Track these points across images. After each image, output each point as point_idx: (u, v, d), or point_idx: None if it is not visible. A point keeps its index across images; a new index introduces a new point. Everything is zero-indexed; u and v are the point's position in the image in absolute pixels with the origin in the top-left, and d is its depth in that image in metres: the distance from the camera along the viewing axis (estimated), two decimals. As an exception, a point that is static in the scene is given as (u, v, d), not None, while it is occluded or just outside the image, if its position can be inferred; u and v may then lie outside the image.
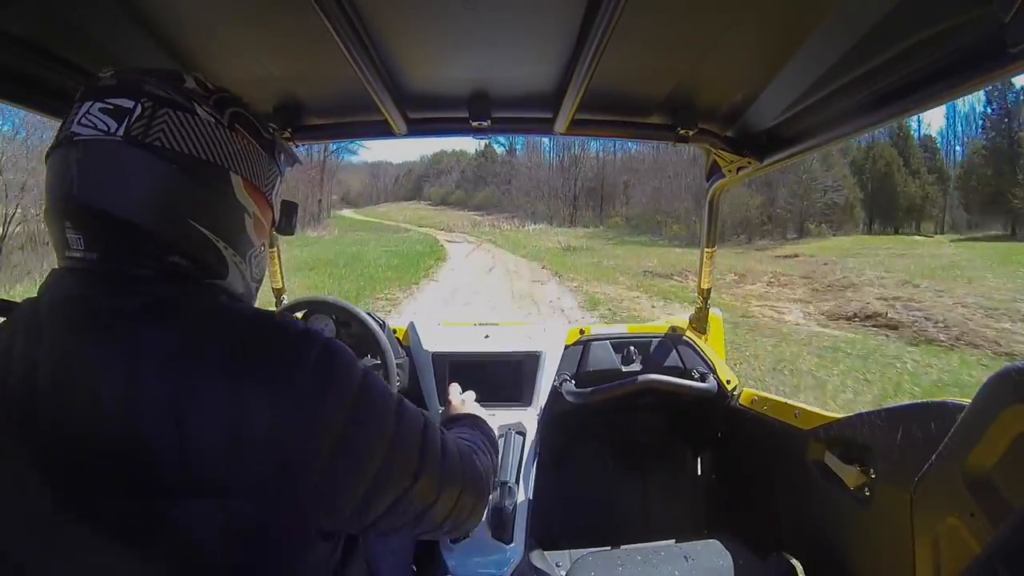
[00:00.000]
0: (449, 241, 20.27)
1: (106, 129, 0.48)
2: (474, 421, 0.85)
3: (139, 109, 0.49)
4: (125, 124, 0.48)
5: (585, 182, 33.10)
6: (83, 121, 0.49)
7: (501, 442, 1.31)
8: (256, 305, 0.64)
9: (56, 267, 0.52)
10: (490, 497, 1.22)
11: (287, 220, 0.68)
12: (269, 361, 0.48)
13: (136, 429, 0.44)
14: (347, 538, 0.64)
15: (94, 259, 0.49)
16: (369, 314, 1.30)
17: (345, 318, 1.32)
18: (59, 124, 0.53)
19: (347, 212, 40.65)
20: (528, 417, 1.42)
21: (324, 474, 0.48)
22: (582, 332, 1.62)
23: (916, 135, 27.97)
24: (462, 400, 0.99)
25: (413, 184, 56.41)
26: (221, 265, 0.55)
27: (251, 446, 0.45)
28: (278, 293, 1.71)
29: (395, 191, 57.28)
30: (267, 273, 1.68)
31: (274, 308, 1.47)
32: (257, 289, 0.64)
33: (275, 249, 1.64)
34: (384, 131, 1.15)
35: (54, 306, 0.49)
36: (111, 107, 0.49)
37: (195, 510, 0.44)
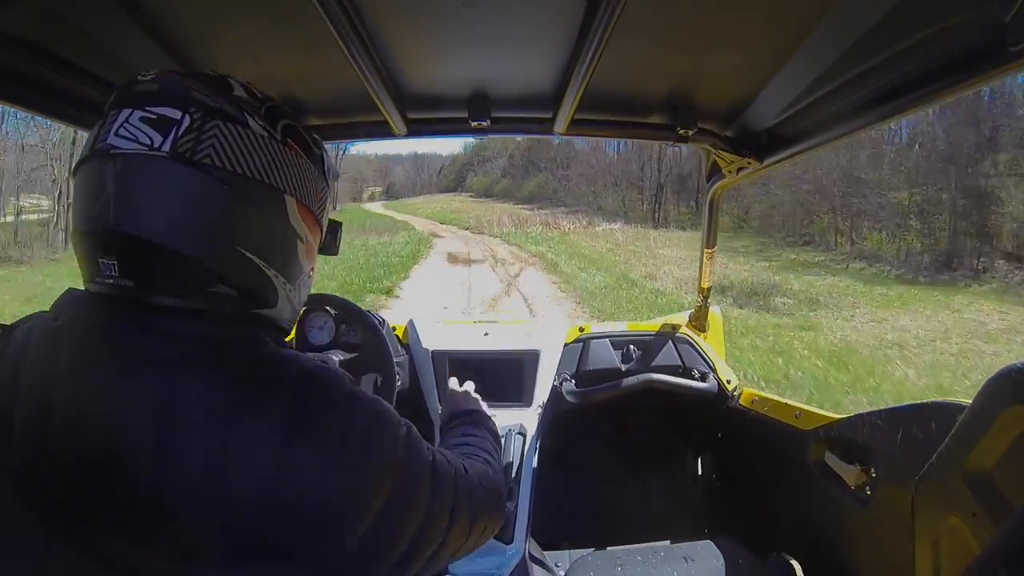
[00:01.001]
0: (457, 261, 11.69)
1: (149, 143, 0.43)
2: (477, 418, 0.85)
3: (187, 121, 0.44)
4: (172, 138, 0.43)
5: (673, 166, 22.06)
6: (121, 132, 0.43)
7: (501, 441, 1.30)
8: None
9: (73, 288, 0.48)
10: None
11: (332, 239, 0.62)
12: (320, 423, 0.45)
13: (169, 486, 0.40)
14: None
15: (130, 286, 0.44)
16: (368, 312, 1.30)
17: (344, 316, 1.32)
18: (54, 125, 0.50)
19: (371, 206, 37.96)
20: (528, 417, 1.42)
21: (364, 540, 0.45)
22: (582, 330, 1.62)
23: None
24: (464, 392, 0.98)
25: (456, 174, 51.59)
26: (270, 293, 0.51)
27: (297, 510, 0.42)
28: None
29: (438, 183, 54.02)
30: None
31: None
32: (298, 314, 0.60)
33: None
34: (384, 131, 1.15)
35: (75, 338, 0.43)
36: (154, 117, 0.43)
37: (227, 573, 0.41)
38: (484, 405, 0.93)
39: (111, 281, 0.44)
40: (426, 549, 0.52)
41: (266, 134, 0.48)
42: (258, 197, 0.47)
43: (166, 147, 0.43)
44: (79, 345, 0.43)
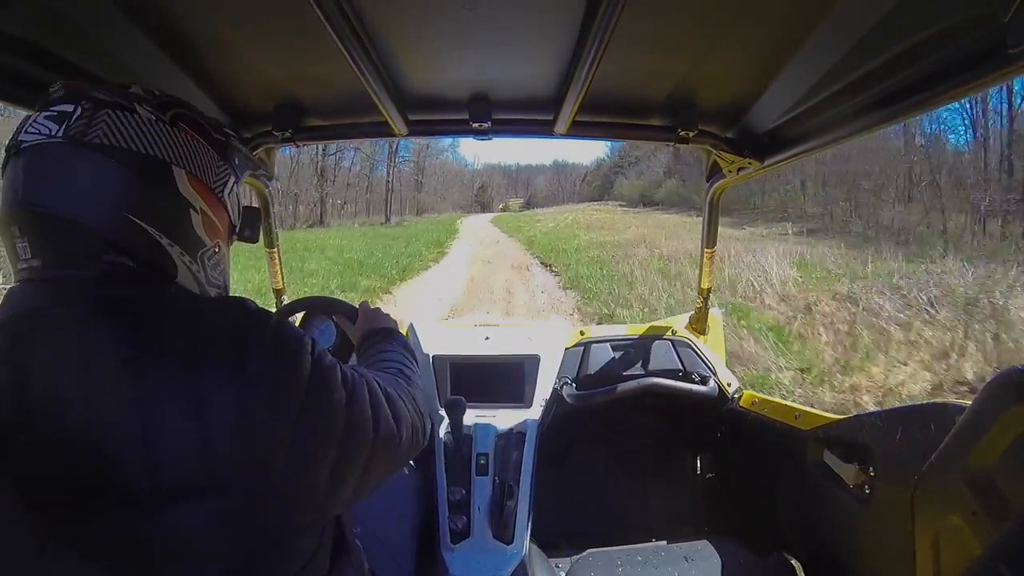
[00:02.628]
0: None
1: (48, 132, 0.49)
2: (389, 335, 0.86)
3: (79, 111, 0.50)
4: (65, 125, 0.49)
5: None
6: (29, 130, 0.50)
7: (501, 442, 1.31)
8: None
9: (10, 287, 0.52)
10: (489, 497, 1.23)
11: (250, 228, 0.67)
12: (223, 352, 0.48)
13: (101, 442, 0.43)
14: (335, 532, 0.64)
15: (38, 266, 0.49)
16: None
17: (340, 315, 1.32)
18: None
19: (477, 218, 32.36)
20: (528, 418, 1.42)
21: (290, 451, 0.48)
22: (582, 334, 1.62)
23: None
24: (375, 310, 0.98)
25: (601, 180, 46.33)
26: (167, 264, 0.54)
27: (216, 442, 0.44)
28: (278, 293, 1.71)
29: (580, 191, 49.19)
30: (268, 277, 1.69)
31: (274, 308, 1.47)
32: (219, 295, 0.62)
33: (275, 250, 1.64)
34: (384, 132, 1.15)
35: (5, 326, 0.47)
36: (54, 113, 0.50)
37: (174, 516, 0.44)
38: (392, 322, 0.93)
39: (26, 264, 0.50)
40: (356, 454, 0.54)
41: (153, 117, 0.53)
42: (144, 168, 0.52)
43: (60, 133, 0.49)
44: (6, 330, 0.47)
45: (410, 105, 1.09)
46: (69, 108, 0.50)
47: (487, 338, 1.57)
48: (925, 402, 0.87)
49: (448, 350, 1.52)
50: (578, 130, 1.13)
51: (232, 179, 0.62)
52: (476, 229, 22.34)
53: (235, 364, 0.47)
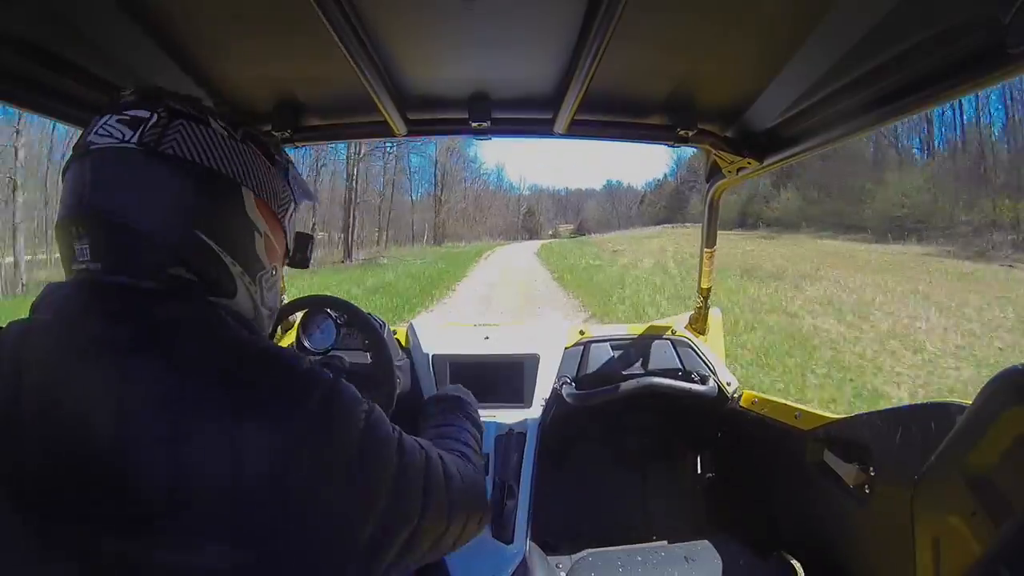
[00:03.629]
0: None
1: (121, 137, 0.48)
2: (458, 404, 0.84)
3: (154, 118, 0.49)
4: (139, 131, 0.49)
5: None
6: (100, 132, 0.49)
7: (501, 442, 1.31)
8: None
9: (52, 282, 0.51)
10: (489, 497, 1.23)
11: (301, 253, 0.67)
12: (271, 399, 0.46)
13: (127, 468, 0.42)
14: None
15: (99, 269, 0.48)
16: (369, 315, 1.29)
17: (345, 319, 1.32)
18: (55, 125, 0.52)
19: (535, 245, 28.92)
20: (528, 418, 1.42)
21: (328, 518, 0.45)
22: (582, 333, 1.62)
23: None
24: (455, 386, 0.97)
25: (668, 199, 42.56)
26: (228, 282, 0.53)
27: (250, 489, 0.42)
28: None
29: (640, 214, 46.46)
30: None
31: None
32: (269, 320, 0.61)
33: None
34: (384, 132, 1.15)
35: (44, 331, 0.46)
36: (128, 118, 0.49)
37: (185, 553, 0.42)
38: (472, 397, 0.90)
39: (83, 265, 0.48)
40: (397, 532, 0.51)
41: (226, 133, 0.53)
42: (216, 186, 0.51)
43: (134, 139, 0.48)
44: (45, 334, 0.46)
45: (409, 104, 1.09)
46: (144, 114, 0.49)
47: (487, 337, 1.57)
48: (925, 402, 0.87)
49: (448, 349, 1.52)
50: (577, 129, 1.13)
51: (292, 205, 0.62)
52: (502, 273, 13.37)
53: (280, 418, 0.45)
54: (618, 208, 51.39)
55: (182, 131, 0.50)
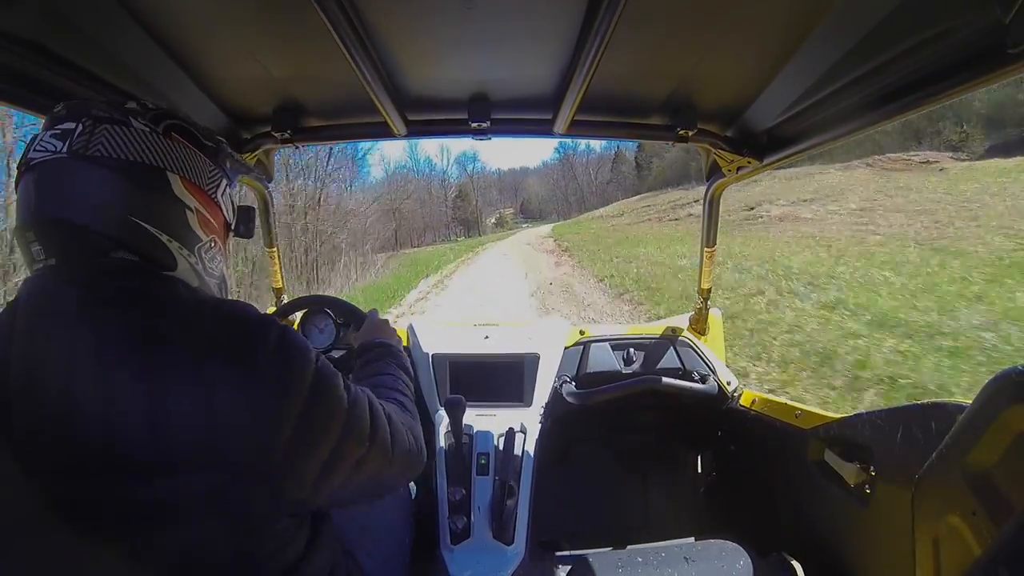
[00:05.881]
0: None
1: (54, 149, 0.55)
2: (387, 351, 0.89)
3: (80, 128, 0.55)
4: (68, 142, 0.55)
5: None
6: (37, 148, 0.55)
7: (501, 441, 1.31)
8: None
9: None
10: (489, 497, 1.23)
11: (244, 225, 0.74)
12: (230, 344, 0.53)
13: (109, 414, 0.48)
14: (314, 520, 0.68)
15: (54, 263, 0.55)
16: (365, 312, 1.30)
17: (345, 318, 1.32)
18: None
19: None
20: (528, 418, 1.42)
21: (286, 449, 0.53)
22: (582, 333, 1.62)
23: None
24: (382, 322, 1.02)
25: (625, 169, 34.71)
26: (167, 257, 0.60)
27: (219, 424, 0.49)
28: (278, 293, 1.71)
29: (599, 190, 39.56)
30: (268, 274, 1.68)
31: (273, 308, 1.47)
32: (219, 288, 0.68)
33: (274, 249, 1.64)
34: (383, 133, 1.15)
35: (27, 304, 0.53)
36: (59, 131, 0.55)
37: (173, 485, 0.49)
38: (399, 343, 0.95)
39: (41, 263, 0.55)
40: (346, 459, 0.59)
41: (147, 129, 0.59)
42: (142, 175, 0.57)
43: (65, 149, 0.55)
44: (27, 307, 0.53)
45: (409, 105, 1.09)
46: (71, 126, 0.55)
47: (487, 337, 1.57)
48: (925, 402, 0.87)
49: (447, 349, 1.52)
50: (577, 129, 1.13)
51: (224, 181, 0.68)
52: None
53: (242, 359, 0.52)
54: (568, 182, 42.81)
55: (106, 134, 0.56)
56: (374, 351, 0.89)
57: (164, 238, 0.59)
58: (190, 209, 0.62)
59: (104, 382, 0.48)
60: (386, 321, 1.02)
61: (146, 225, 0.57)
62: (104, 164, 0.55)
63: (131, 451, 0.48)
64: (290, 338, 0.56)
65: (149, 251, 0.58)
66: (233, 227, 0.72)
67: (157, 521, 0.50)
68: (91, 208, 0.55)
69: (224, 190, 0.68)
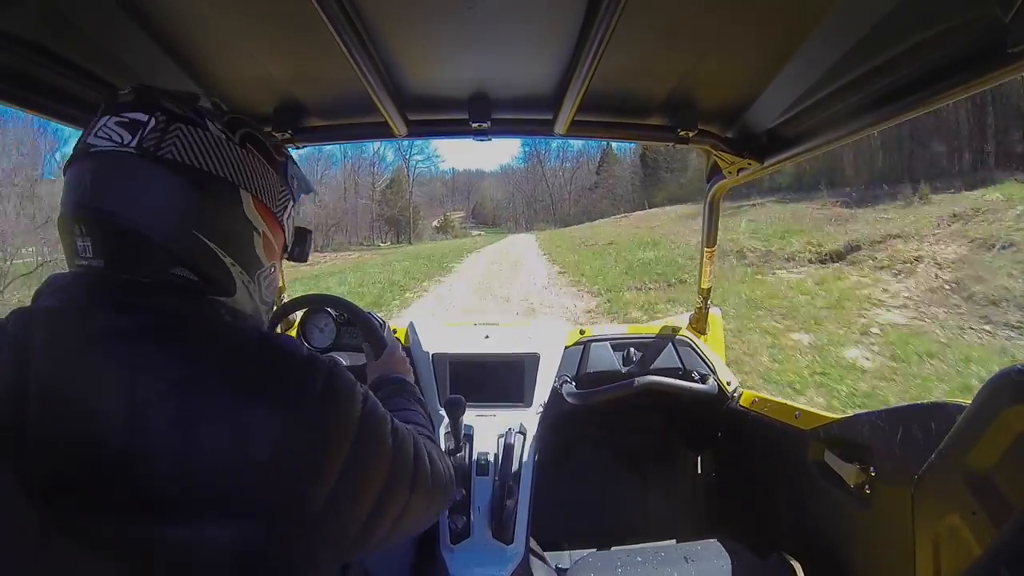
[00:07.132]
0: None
1: (120, 141, 0.49)
2: (404, 387, 0.85)
3: (152, 122, 0.50)
4: (138, 136, 0.49)
5: None
6: (99, 134, 0.50)
7: (501, 442, 1.31)
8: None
9: (56, 272, 0.52)
10: (489, 496, 1.23)
11: (300, 247, 0.68)
12: (275, 386, 0.48)
13: (137, 452, 0.43)
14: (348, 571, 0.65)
15: (100, 266, 0.50)
16: (370, 313, 1.30)
17: (345, 317, 1.32)
18: (56, 125, 0.53)
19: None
20: (528, 417, 1.42)
21: (328, 499, 0.48)
22: (582, 333, 1.62)
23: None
24: (400, 358, 0.97)
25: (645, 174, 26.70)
26: (228, 281, 0.55)
27: (255, 469, 0.45)
28: (278, 292, 1.71)
29: (573, 200, 33.39)
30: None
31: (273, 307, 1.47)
32: (268, 313, 0.63)
33: None
34: (384, 133, 1.15)
35: (51, 317, 0.47)
36: (127, 120, 0.50)
37: (199, 528, 0.44)
38: (411, 376, 0.92)
39: (86, 261, 0.50)
40: (391, 506, 0.54)
41: (224, 136, 0.54)
42: (214, 189, 0.53)
43: (133, 144, 0.49)
44: (51, 322, 0.47)
45: (410, 105, 1.09)
46: (142, 118, 0.50)
47: (487, 337, 1.57)
48: (925, 402, 0.87)
49: (448, 348, 1.52)
50: (578, 130, 1.13)
51: (291, 203, 0.63)
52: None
53: (287, 402, 0.48)
54: (533, 189, 34.78)
55: (180, 135, 0.50)
56: (392, 387, 0.85)
57: (228, 261, 0.54)
58: (257, 232, 0.57)
59: (137, 418, 0.44)
60: (404, 357, 0.98)
61: (211, 244, 0.52)
62: (178, 170, 0.50)
63: (157, 489, 0.43)
64: (338, 381, 0.52)
65: (209, 272, 0.53)
66: (289, 250, 0.67)
67: (175, 567, 0.44)
68: (157, 216, 0.50)
69: (290, 213, 0.63)
